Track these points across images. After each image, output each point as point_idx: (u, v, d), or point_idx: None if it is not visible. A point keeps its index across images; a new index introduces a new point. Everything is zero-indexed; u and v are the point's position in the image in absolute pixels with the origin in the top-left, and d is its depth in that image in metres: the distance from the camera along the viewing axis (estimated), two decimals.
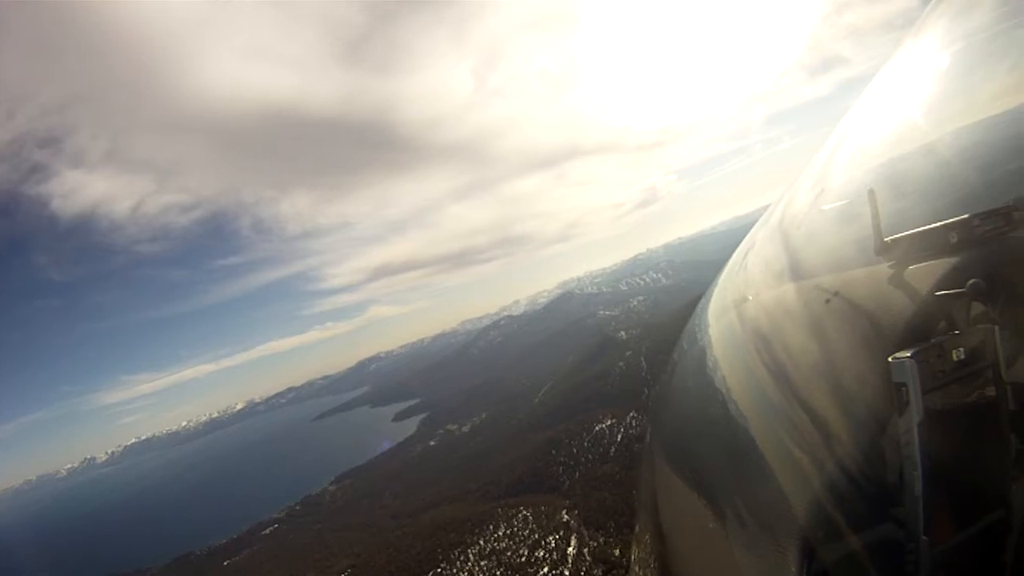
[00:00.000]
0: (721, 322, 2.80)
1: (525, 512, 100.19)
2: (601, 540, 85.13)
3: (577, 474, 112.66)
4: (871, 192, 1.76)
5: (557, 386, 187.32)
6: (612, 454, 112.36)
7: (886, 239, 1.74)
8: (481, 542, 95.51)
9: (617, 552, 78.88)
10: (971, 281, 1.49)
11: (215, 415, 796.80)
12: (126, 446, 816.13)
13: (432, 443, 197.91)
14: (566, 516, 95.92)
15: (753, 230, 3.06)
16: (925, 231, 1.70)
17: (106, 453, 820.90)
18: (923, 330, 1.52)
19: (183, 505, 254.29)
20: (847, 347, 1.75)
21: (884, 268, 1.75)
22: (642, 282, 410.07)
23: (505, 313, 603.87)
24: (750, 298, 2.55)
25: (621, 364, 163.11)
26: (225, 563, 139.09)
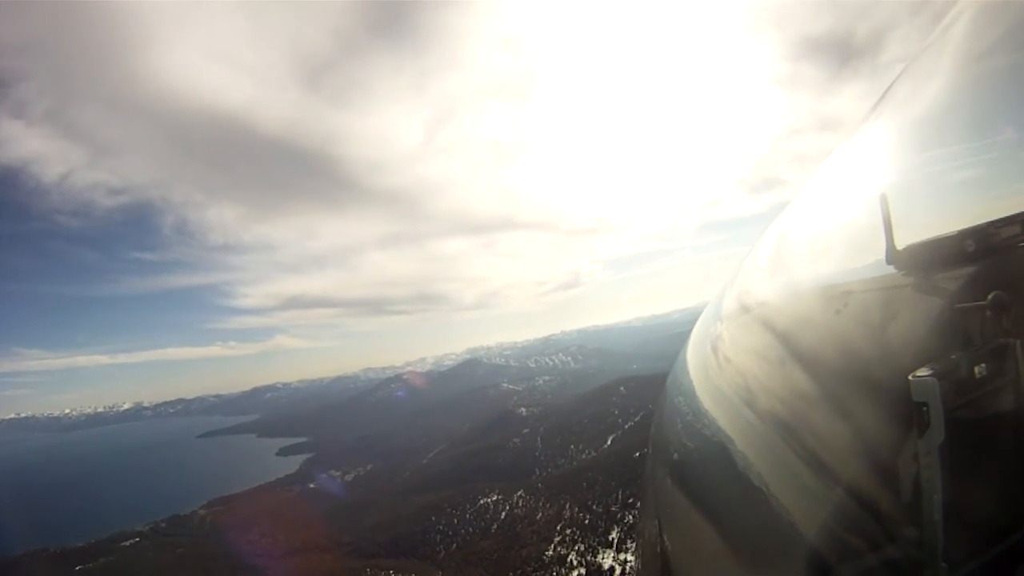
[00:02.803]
0: (730, 331, 2.75)
1: None
2: None
3: (454, 546, 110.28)
4: (883, 196, 1.67)
5: (449, 450, 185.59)
6: (493, 530, 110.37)
7: (899, 247, 1.65)
8: None
9: None
10: (993, 294, 1.44)
11: (100, 409, 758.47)
12: (4, 419, 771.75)
13: (311, 485, 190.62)
14: None
15: (763, 233, 2.88)
16: (940, 239, 1.62)
17: None
18: (941, 344, 1.47)
19: (48, 496, 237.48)
20: (861, 362, 1.68)
21: (898, 277, 1.67)
22: (551, 362, 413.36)
23: (409, 368, 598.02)
24: (759, 307, 2.48)
25: (516, 440, 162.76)
26: (77, 568, 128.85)
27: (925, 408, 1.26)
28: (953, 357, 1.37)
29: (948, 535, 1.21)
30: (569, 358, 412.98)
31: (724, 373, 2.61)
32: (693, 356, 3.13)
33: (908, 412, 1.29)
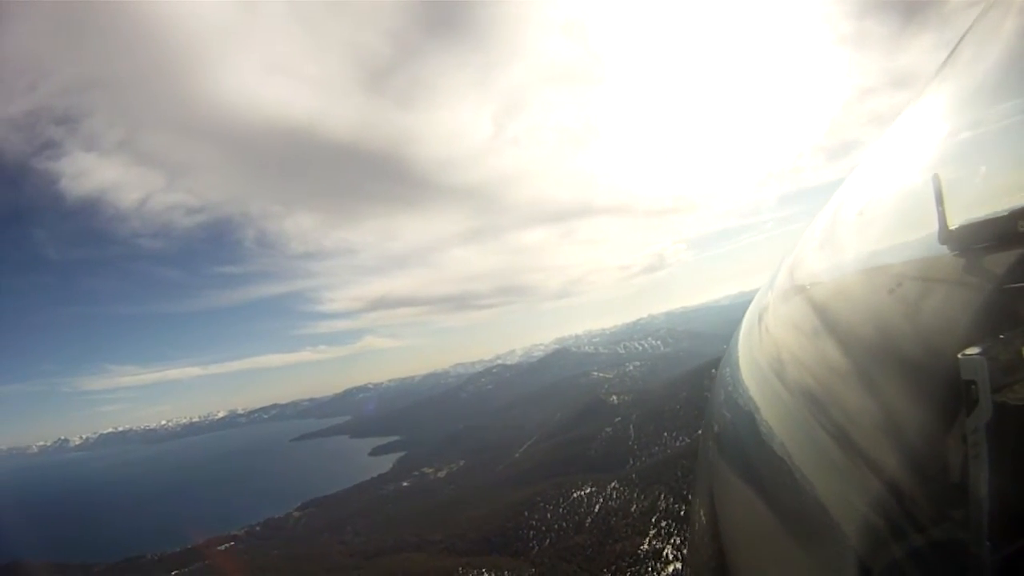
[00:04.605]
0: (783, 308, 2.75)
1: (486, 575, 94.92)
2: None
3: (547, 541, 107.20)
4: (935, 177, 1.66)
5: (540, 443, 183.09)
6: (587, 525, 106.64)
7: (951, 227, 1.64)
8: None
9: None
10: None
11: (195, 419, 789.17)
12: (101, 434, 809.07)
13: (405, 484, 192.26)
14: None
15: (818, 214, 2.90)
16: (992, 219, 1.60)
17: (80, 437, 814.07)
18: (991, 324, 1.43)
19: (146, 504, 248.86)
20: (912, 340, 1.68)
21: (949, 257, 1.65)
22: (640, 347, 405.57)
23: (499, 361, 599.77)
24: (808, 282, 2.48)
25: (609, 430, 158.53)
26: (173, 573, 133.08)
27: (973, 387, 1.25)
28: (1002, 337, 1.35)
29: (993, 516, 1.19)
30: (659, 342, 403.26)
31: (764, 346, 2.68)
32: (744, 329, 3.18)
33: (956, 391, 1.28)
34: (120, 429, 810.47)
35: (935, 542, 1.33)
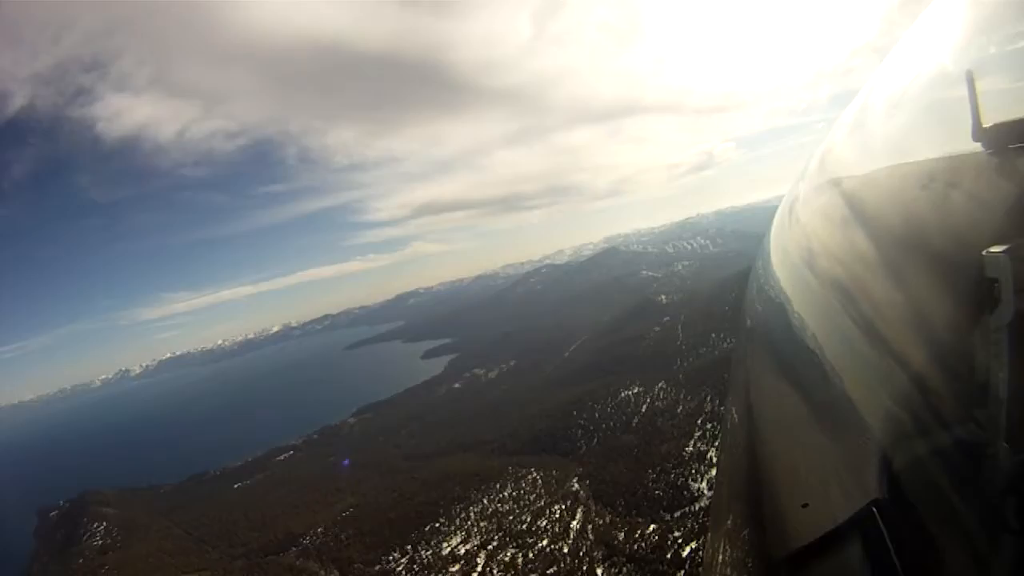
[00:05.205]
0: (814, 198, 2.77)
1: (535, 475, 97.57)
2: (607, 519, 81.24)
3: (595, 440, 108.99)
4: (969, 72, 1.61)
5: (589, 343, 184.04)
6: (634, 425, 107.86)
7: (985, 124, 1.59)
8: (485, 500, 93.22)
9: (621, 536, 75.21)
10: None
11: (251, 336, 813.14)
12: (160, 360, 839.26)
13: (457, 385, 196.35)
14: (576, 485, 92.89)
15: (850, 104, 2.89)
16: None
17: (140, 366, 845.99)
18: (1020, 224, 1.39)
19: (206, 423, 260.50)
20: (942, 236, 1.66)
21: (983, 156, 1.60)
22: (689, 247, 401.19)
23: (548, 261, 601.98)
24: (844, 176, 2.48)
25: (657, 329, 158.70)
26: (235, 486, 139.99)
27: (996, 285, 1.23)
28: None
29: (1012, 417, 1.18)
30: (707, 241, 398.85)
31: (794, 235, 2.72)
32: (776, 221, 3.25)
33: (981, 289, 1.26)
34: (178, 354, 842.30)
35: (955, 439, 1.33)
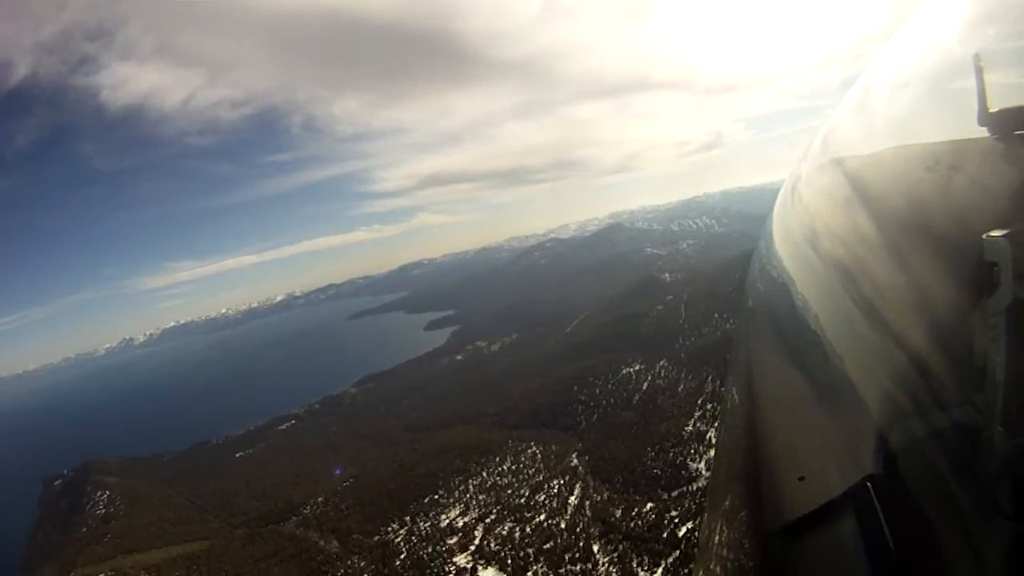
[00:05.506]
0: (817, 177, 2.79)
1: (535, 449, 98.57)
2: (605, 495, 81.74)
3: (595, 416, 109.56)
4: (976, 57, 1.63)
5: (592, 318, 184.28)
6: (635, 402, 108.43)
7: (991, 110, 1.60)
8: (484, 473, 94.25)
9: (619, 513, 75.64)
10: None
11: (254, 305, 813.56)
12: (164, 329, 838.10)
13: (459, 357, 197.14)
14: (575, 460, 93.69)
15: (855, 85, 2.88)
16: None
17: (144, 335, 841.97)
18: (1021, 209, 1.41)
19: (210, 391, 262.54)
20: (945, 219, 1.66)
21: (988, 141, 1.62)
22: (695, 225, 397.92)
23: (552, 235, 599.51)
24: (848, 156, 2.49)
25: (660, 307, 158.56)
26: (237, 455, 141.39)
27: (996, 268, 1.24)
28: None
29: (1008, 401, 1.19)
30: (713, 221, 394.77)
31: (796, 214, 2.75)
32: (779, 200, 3.25)
33: (980, 273, 1.28)
34: (182, 322, 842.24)
35: (951, 421, 1.34)
